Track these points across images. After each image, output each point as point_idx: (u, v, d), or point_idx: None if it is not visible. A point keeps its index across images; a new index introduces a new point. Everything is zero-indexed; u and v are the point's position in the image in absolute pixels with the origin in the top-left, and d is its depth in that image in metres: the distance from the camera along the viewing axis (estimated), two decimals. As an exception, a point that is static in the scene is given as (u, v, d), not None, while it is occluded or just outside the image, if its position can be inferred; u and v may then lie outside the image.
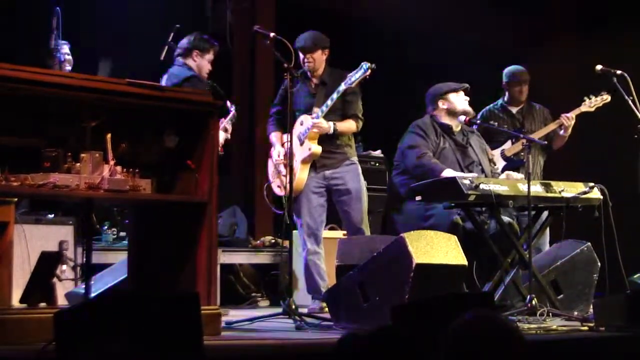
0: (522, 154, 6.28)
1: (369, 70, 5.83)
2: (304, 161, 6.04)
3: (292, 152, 5.33)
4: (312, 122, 5.98)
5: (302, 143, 6.04)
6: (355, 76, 5.88)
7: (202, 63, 6.11)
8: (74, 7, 6.46)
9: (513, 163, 6.48)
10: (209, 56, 6.14)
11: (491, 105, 6.96)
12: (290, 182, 5.29)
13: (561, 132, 6.66)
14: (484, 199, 5.22)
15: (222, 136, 5.93)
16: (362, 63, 5.86)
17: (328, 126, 6.00)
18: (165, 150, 4.51)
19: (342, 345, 2.51)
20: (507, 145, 6.67)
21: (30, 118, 4.10)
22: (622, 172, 6.50)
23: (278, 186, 6.16)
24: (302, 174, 6.03)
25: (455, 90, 6.03)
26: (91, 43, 6.91)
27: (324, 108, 5.97)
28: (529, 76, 6.91)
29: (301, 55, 6.11)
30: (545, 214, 5.85)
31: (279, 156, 6.15)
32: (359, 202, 6.10)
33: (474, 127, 6.21)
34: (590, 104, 6.54)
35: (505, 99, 6.92)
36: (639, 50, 7.71)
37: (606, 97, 6.41)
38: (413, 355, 2.44)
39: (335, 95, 5.93)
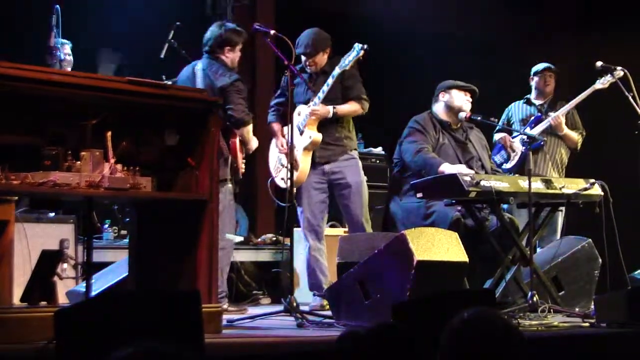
0: (540, 136, 6.25)
1: (362, 51, 5.77)
2: (305, 149, 5.98)
3: (293, 149, 5.32)
4: (310, 109, 5.96)
5: (301, 132, 5.99)
6: (348, 58, 5.81)
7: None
8: (74, 6, 6.46)
9: (533, 145, 6.38)
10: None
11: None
12: (291, 178, 5.27)
13: (560, 132, 6.68)
14: (485, 195, 5.22)
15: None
16: (355, 44, 5.81)
17: (327, 110, 5.96)
18: (166, 148, 4.51)
19: (342, 343, 2.50)
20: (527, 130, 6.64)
21: (30, 116, 4.09)
22: (623, 168, 6.50)
23: (282, 179, 6.06)
24: (304, 164, 5.98)
25: (460, 88, 6.03)
26: (91, 43, 6.91)
27: (321, 94, 5.91)
28: (552, 70, 6.90)
29: (303, 58, 6.08)
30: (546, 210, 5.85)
31: (282, 146, 6.11)
32: (359, 195, 6.07)
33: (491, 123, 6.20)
34: (604, 81, 6.47)
35: (532, 93, 6.95)
36: (638, 48, 7.71)
37: (618, 72, 6.34)
38: (414, 352, 2.44)
39: (330, 80, 5.88)
